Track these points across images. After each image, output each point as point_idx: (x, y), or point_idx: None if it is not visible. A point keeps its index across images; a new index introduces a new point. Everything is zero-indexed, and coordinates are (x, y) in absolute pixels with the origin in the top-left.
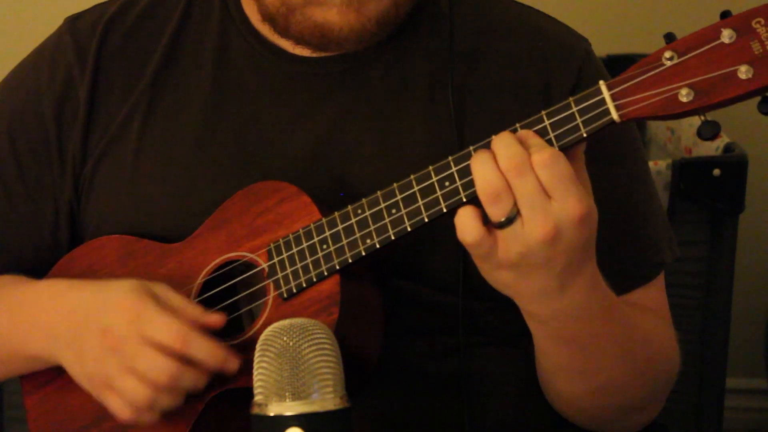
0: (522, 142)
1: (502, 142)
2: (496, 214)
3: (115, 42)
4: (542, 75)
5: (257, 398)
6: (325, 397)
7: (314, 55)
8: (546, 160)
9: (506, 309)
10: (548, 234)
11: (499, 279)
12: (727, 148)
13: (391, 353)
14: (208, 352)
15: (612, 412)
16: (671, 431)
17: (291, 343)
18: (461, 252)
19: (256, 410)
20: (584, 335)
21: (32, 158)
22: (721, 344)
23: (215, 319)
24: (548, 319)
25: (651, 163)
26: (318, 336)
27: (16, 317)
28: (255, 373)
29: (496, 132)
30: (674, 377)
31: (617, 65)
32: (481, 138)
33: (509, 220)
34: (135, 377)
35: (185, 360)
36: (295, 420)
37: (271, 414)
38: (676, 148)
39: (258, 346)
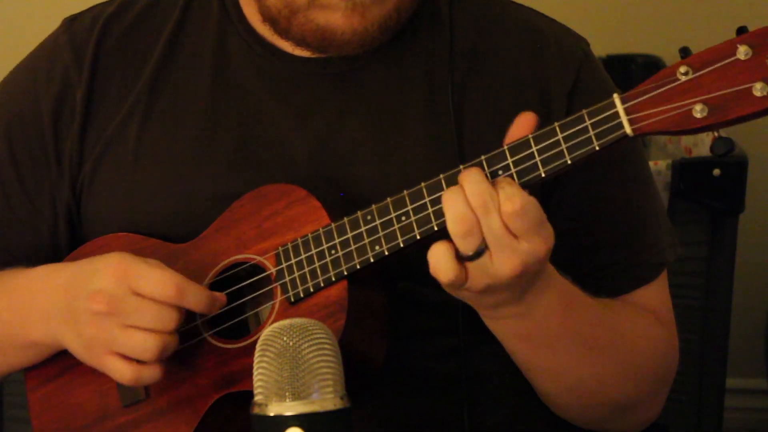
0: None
1: (471, 179)
2: (466, 248)
3: (112, 42)
4: (541, 75)
5: (257, 398)
6: (325, 397)
7: (314, 56)
8: (518, 211)
9: None
10: (515, 270)
11: (460, 296)
12: None
13: (392, 353)
14: (200, 298)
15: (598, 410)
16: (671, 431)
17: (291, 343)
18: None
19: (256, 410)
20: (543, 332)
21: (30, 160)
22: (721, 344)
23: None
24: (503, 317)
25: (651, 163)
26: (318, 336)
27: (13, 302)
28: (255, 373)
29: (496, 132)
30: (670, 377)
31: (617, 65)
32: (480, 138)
33: (477, 254)
34: (141, 331)
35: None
36: (295, 420)
37: (271, 414)
38: (676, 148)
39: (258, 346)
